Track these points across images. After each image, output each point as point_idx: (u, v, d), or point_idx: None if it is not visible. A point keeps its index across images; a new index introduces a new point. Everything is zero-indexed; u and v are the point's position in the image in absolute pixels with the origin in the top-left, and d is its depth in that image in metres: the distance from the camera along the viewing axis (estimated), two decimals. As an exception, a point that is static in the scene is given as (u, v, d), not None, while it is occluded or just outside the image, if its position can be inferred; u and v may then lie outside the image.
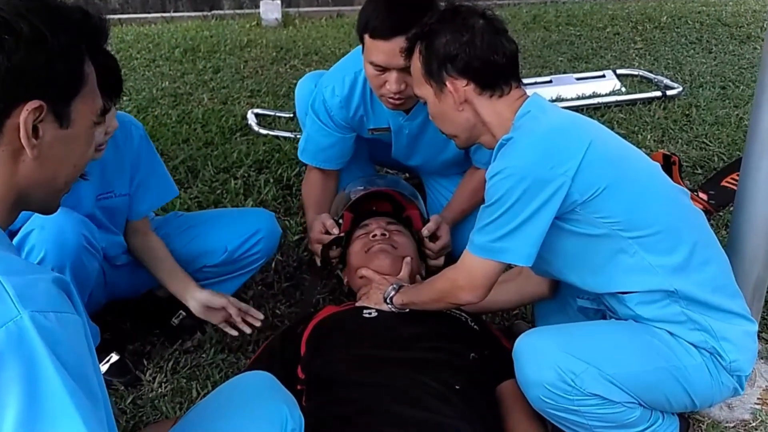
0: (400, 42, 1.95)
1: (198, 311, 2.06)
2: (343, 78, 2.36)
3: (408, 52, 1.81)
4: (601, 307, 1.83)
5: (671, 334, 1.66)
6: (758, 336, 1.85)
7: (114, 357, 2.00)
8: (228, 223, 2.21)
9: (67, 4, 1.00)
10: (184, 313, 2.17)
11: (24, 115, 0.93)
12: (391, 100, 2.20)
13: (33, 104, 0.93)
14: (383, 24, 2.06)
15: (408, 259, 2.18)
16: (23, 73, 0.92)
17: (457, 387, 1.71)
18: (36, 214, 1.73)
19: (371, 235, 2.26)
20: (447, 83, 1.70)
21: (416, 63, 1.76)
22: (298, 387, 1.79)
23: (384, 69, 2.12)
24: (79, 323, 0.90)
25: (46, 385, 0.82)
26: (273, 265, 2.55)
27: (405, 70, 1.98)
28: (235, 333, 2.09)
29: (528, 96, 1.73)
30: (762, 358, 2.08)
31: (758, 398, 1.97)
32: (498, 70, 1.69)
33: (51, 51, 0.94)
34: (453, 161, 2.50)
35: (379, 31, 2.07)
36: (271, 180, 3.06)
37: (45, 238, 1.77)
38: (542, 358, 1.59)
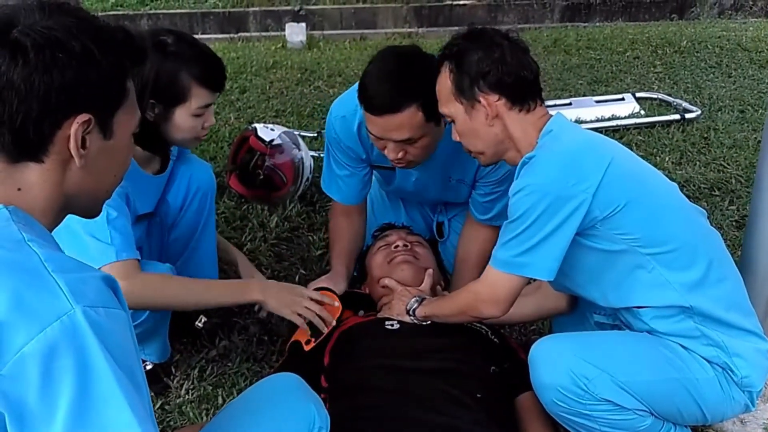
0: (392, 119, 1.95)
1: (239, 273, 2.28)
2: (355, 106, 2.16)
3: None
4: (617, 323, 1.87)
5: (684, 347, 1.70)
6: (771, 353, 1.88)
7: (149, 365, 2.08)
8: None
9: (110, 24, 1.08)
10: (205, 318, 2.24)
11: (74, 127, 1.00)
12: (393, 163, 2.15)
13: (83, 117, 1.00)
14: (374, 101, 1.98)
15: (430, 270, 2.22)
16: (74, 88, 0.99)
17: (478, 395, 1.76)
18: None
19: (393, 246, 2.29)
20: (480, 99, 1.73)
21: (445, 82, 1.79)
22: (322, 396, 1.82)
23: (381, 138, 2.05)
24: (125, 318, 0.96)
25: (97, 374, 0.87)
26: (297, 278, 2.61)
27: (401, 141, 2.00)
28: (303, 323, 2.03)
29: (551, 115, 1.78)
30: (775, 375, 2.10)
31: (771, 414, 2.00)
32: (527, 85, 1.75)
33: (99, 67, 1.01)
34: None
35: (370, 107, 1.99)
36: (296, 197, 3.13)
37: None
38: (557, 363, 1.64)
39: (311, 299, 2.01)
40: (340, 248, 2.41)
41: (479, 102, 1.74)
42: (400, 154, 2.06)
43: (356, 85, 2.18)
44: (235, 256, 2.35)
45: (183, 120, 1.89)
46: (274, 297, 1.97)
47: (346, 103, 2.27)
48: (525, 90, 1.75)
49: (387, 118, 1.97)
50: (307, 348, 1.99)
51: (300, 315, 1.98)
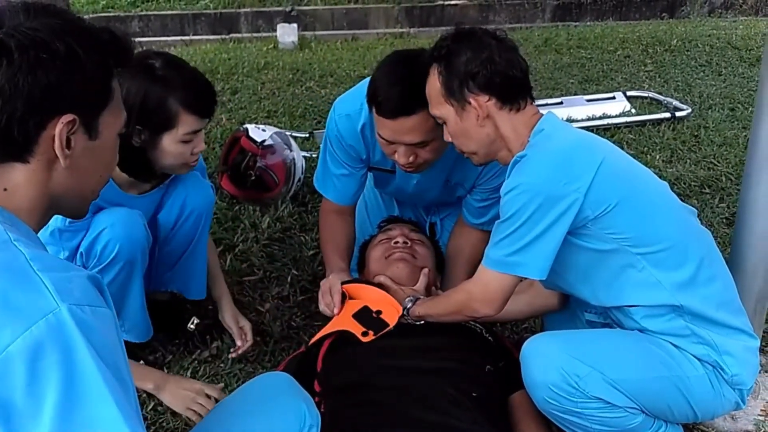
0: (405, 121, 1.96)
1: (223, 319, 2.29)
2: (360, 105, 2.18)
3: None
4: (608, 321, 1.87)
5: (675, 346, 1.70)
6: (760, 349, 1.89)
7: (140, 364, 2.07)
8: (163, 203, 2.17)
9: (95, 26, 1.08)
10: (197, 319, 2.25)
11: (59, 127, 1.00)
12: (402, 168, 2.14)
13: (67, 117, 1.00)
14: (387, 103, 1.97)
15: (426, 270, 2.20)
16: (59, 89, 0.99)
17: (474, 394, 1.76)
18: (98, 215, 1.90)
19: (393, 241, 2.27)
20: (470, 100, 1.73)
21: (435, 84, 1.79)
22: (316, 399, 1.80)
23: (392, 142, 2.05)
24: (111, 317, 0.96)
25: (82, 371, 0.87)
26: (289, 279, 2.62)
27: (413, 144, 2.01)
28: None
29: (542, 114, 1.79)
30: (765, 371, 2.12)
31: (761, 410, 2.01)
32: (517, 84, 1.75)
33: (84, 68, 1.01)
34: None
35: (383, 109, 1.99)
36: (287, 197, 3.13)
37: (118, 235, 1.90)
38: (548, 361, 1.64)
39: (207, 395, 1.96)
40: (336, 245, 2.39)
41: (469, 103, 1.74)
42: (410, 158, 2.05)
43: (361, 84, 2.18)
44: (222, 295, 2.32)
45: (170, 146, 1.86)
46: (169, 392, 1.96)
47: (352, 102, 2.26)
48: (515, 89, 1.75)
49: (400, 121, 1.97)
50: (365, 340, 1.96)
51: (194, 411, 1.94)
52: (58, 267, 0.95)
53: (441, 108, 1.80)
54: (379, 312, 2.03)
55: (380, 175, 2.42)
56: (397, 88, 1.95)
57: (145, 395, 2.03)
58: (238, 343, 2.22)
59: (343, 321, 2.05)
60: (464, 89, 1.73)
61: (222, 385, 2.06)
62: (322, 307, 2.18)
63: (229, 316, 2.27)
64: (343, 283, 2.18)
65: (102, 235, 1.90)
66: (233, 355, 2.21)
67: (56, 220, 1.90)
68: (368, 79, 2.11)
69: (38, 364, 0.85)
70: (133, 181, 1.99)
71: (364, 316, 2.03)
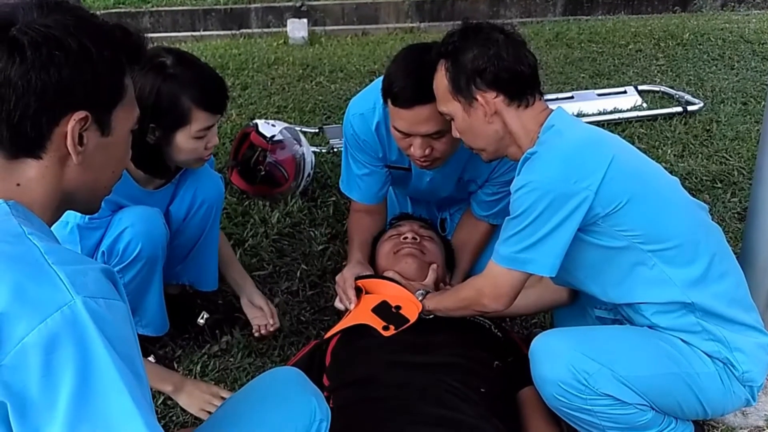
0: (421, 110, 1.96)
1: (244, 303, 2.30)
2: (374, 104, 2.23)
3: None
4: (618, 317, 1.87)
5: (685, 342, 1.70)
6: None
7: (152, 360, 2.09)
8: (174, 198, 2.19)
9: (108, 22, 1.09)
10: (207, 314, 2.27)
11: (71, 124, 1.01)
12: (418, 162, 2.14)
13: (79, 114, 1.01)
14: (403, 93, 1.98)
15: (434, 266, 2.21)
16: (71, 86, 1.00)
17: (482, 390, 1.77)
18: (118, 214, 1.94)
19: (402, 237, 2.28)
20: (478, 97, 1.73)
21: (442, 80, 1.79)
22: (325, 394, 1.82)
23: (408, 134, 2.06)
24: (124, 309, 0.97)
25: (97, 363, 0.88)
26: (298, 273, 2.62)
27: (429, 135, 2.01)
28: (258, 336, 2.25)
29: (552, 110, 1.78)
30: (777, 368, 2.10)
31: (772, 406, 2.00)
32: (525, 80, 1.74)
33: (96, 65, 1.02)
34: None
35: (399, 99, 2.00)
36: (297, 192, 3.14)
37: (139, 234, 1.94)
38: (557, 357, 1.64)
39: (223, 398, 1.94)
40: (361, 240, 2.40)
41: (476, 100, 1.74)
42: (426, 151, 2.06)
43: (374, 84, 2.19)
44: (245, 279, 2.33)
45: (184, 143, 1.89)
46: (187, 394, 1.96)
47: (365, 101, 2.28)
48: (522, 85, 1.74)
49: (416, 110, 1.98)
50: (386, 334, 1.97)
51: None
52: (72, 260, 0.96)
53: (448, 104, 1.80)
54: (398, 307, 2.04)
55: (397, 173, 2.43)
56: (412, 78, 1.96)
57: (154, 391, 2.04)
58: (270, 321, 2.24)
59: (363, 315, 2.05)
60: (471, 86, 1.73)
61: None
62: (337, 302, 2.19)
63: (258, 296, 2.29)
64: (357, 278, 2.19)
65: (123, 235, 1.93)
66: (263, 332, 2.24)
67: (75, 216, 1.92)
68: (380, 79, 2.12)
69: (53, 355, 0.87)
70: (149, 177, 2.01)
71: (384, 310, 2.04)
